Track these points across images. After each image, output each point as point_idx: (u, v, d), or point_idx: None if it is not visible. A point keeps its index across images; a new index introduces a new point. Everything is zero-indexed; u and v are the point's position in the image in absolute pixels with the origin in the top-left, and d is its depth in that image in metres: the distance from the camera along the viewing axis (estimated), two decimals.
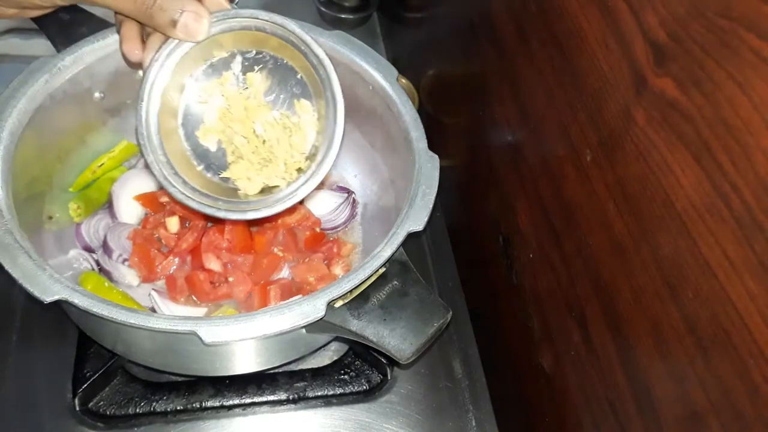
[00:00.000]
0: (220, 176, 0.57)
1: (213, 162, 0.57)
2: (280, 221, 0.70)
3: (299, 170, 0.57)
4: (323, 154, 0.54)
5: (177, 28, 0.50)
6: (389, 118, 0.67)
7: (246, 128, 0.56)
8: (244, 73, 0.56)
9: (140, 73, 0.55)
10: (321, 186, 0.60)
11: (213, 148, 0.57)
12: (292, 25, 0.52)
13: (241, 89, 0.56)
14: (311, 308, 0.50)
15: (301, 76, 0.55)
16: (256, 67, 0.55)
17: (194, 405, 0.65)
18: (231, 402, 0.65)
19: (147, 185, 0.72)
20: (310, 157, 0.56)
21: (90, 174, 0.71)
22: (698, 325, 0.36)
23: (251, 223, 0.70)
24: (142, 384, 0.65)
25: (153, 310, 0.64)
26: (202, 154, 0.57)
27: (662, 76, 0.38)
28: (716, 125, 0.34)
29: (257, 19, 0.52)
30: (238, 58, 0.55)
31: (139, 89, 0.53)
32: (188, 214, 0.69)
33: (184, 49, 0.53)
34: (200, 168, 0.57)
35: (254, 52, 0.55)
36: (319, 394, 0.67)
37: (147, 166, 0.54)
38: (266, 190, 0.57)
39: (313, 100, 0.55)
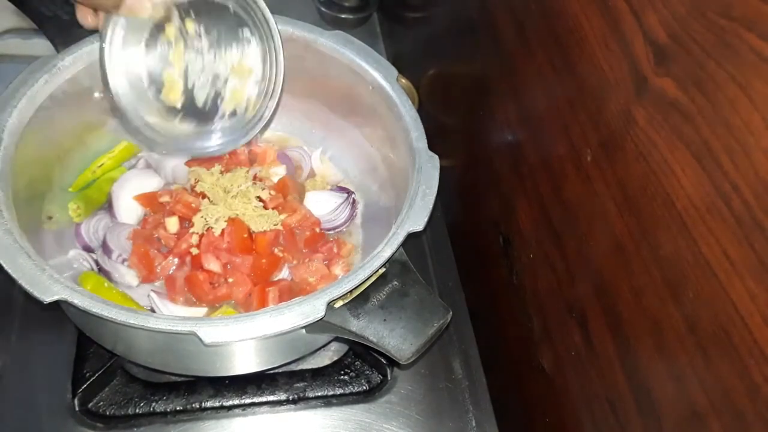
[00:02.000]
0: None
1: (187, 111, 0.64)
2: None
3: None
4: (272, 83, 0.63)
5: (121, 9, 0.56)
6: (389, 118, 0.67)
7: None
8: (183, 22, 0.60)
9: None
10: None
11: (178, 103, 0.63)
12: None
13: (185, 39, 0.61)
14: (311, 308, 0.50)
15: (234, 10, 0.60)
16: (192, 13, 0.60)
17: (194, 405, 0.65)
18: (231, 402, 0.65)
19: (147, 185, 0.72)
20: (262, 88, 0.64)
21: (90, 174, 0.71)
22: (698, 325, 0.36)
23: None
24: (142, 384, 0.65)
25: (152, 310, 0.64)
26: (173, 109, 0.63)
27: (663, 76, 0.37)
28: (717, 125, 0.34)
29: None
30: (174, 11, 0.59)
31: (100, 69, 0.59)
32: (187, 214, 0.69)
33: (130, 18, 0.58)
34: (177, 118, 0.64)
35: (186, 1, 0.59)
36: (319, 394, 0.67)
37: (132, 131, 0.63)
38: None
39: (251, 29, 0.61)
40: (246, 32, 0.62)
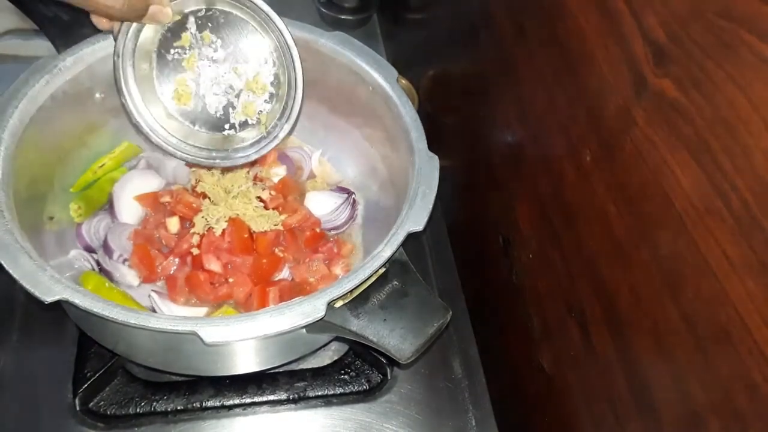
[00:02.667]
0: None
1: (200, 117, 0.65)
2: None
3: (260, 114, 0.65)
4: (291, 100, 0.62)
5: (145, 18, 0.56)
6: (389, 119, 0.67)
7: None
8: (200, 32, 0.61)
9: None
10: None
11: (190, 108, 0.64)
12: None
13: (200, 47, 0.62)
14: (311, 308, 0.50)
15: (253, 26, 0.61)
16: (209, 24, 0.61)
17: (194, 405, 0.65)
18: (231, 402, 0.65)
19: (148, 186, 0.72)
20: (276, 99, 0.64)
21: (91, 174, 0.71)
22: (698, 325, 0.36)
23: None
24: (143, 384, 0.65)
25: (153, 310, 0.64)
26: (185, 113, 0.64)
27: (662, 76, 0.38)
28: (716, 125, 0.34)
29: None
30: (191, 19, 0.60)
31: (113, 71, 0.60)
32: (188, 214, 0.69)
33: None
34: (187, 123, 0.65)
35: (204, 10, 0.60)
36: (320, 393, 0.67)
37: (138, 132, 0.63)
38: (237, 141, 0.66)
39: (271, 49, 0.62)
40: (265, 51, 0.62)
